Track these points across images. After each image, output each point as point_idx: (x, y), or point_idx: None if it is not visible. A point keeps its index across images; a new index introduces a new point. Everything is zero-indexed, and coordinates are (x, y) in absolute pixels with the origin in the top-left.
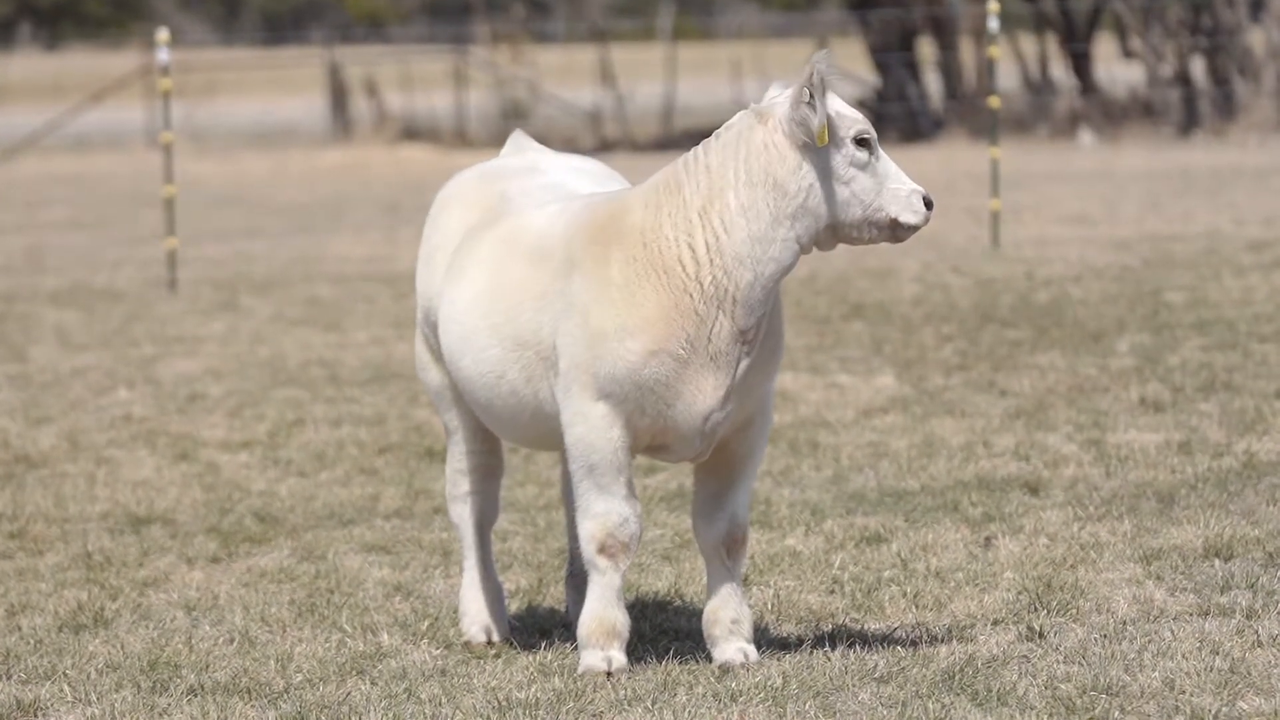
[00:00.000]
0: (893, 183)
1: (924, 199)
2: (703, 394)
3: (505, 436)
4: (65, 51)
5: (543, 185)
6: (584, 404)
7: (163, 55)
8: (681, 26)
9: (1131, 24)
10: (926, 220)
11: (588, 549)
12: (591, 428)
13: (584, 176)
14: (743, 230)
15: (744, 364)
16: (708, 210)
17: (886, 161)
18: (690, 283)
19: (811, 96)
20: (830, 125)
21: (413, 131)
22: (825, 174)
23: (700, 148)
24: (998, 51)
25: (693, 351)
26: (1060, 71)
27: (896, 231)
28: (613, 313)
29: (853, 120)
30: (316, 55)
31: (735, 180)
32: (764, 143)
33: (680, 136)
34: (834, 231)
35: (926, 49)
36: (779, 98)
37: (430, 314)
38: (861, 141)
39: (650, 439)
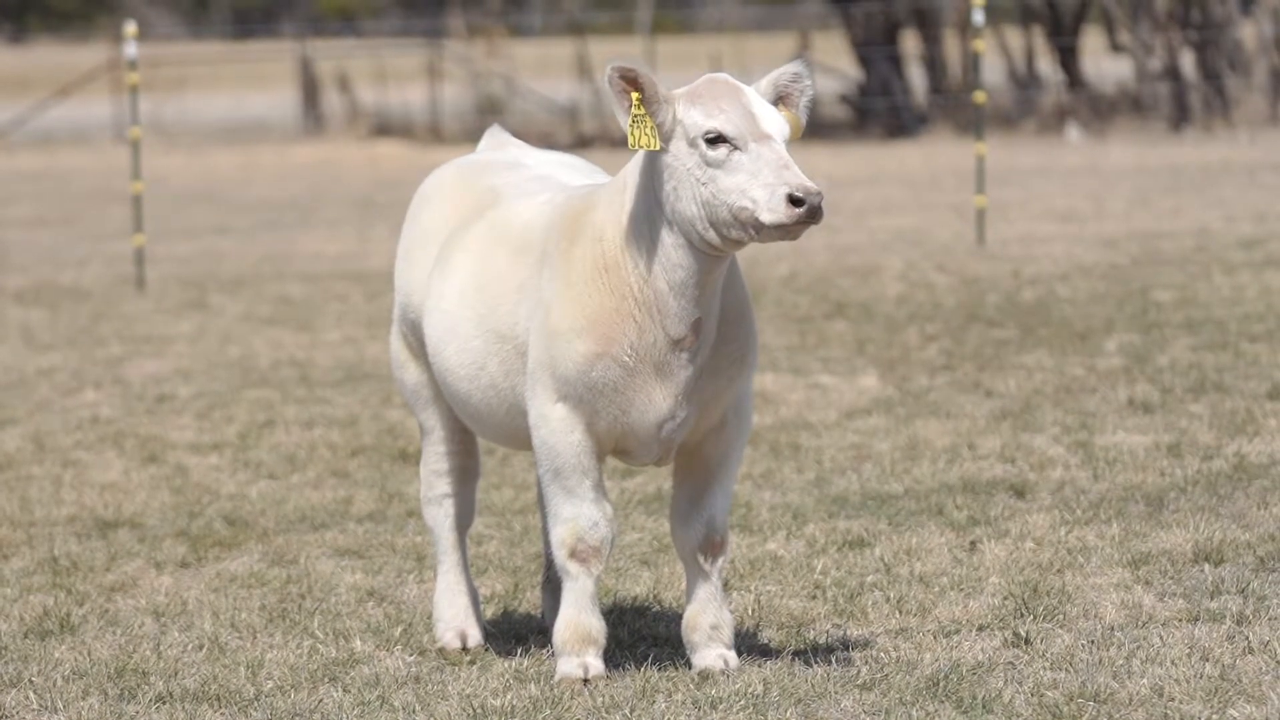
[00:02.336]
0: (765, 178)
1: (790, 196)
2: (653, 403)
3: (481, 433)
4: (31, 45)
5: (533, 178)
6: (545, 405)
7: (130, 49)
8: (660, 20)
9: (1119, 17)
10: (794, 219)
11: (559, 554)
12: (552, 431)
13: (572, 171)
14: (646, 237)
15: (688, 372)
16: (629, 215)
17: (762, 156)
18: (625, 286)
19: (635, 104)
20: (682, 127)
21: (386, 127)
22: (685, 176)
23: None
24: (983, 45)
25: (638, 359)
26: (1047, 66)
27: (767, 231)
28: (568, 310)
29: (704, 118)
30: (287, 49)
31: (636, 186)
32: (635, 149)
33: None
34: (717, 231)
35: (910, 43)
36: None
37: (410, 310)
38: (711, 140)
39: (613, 444)
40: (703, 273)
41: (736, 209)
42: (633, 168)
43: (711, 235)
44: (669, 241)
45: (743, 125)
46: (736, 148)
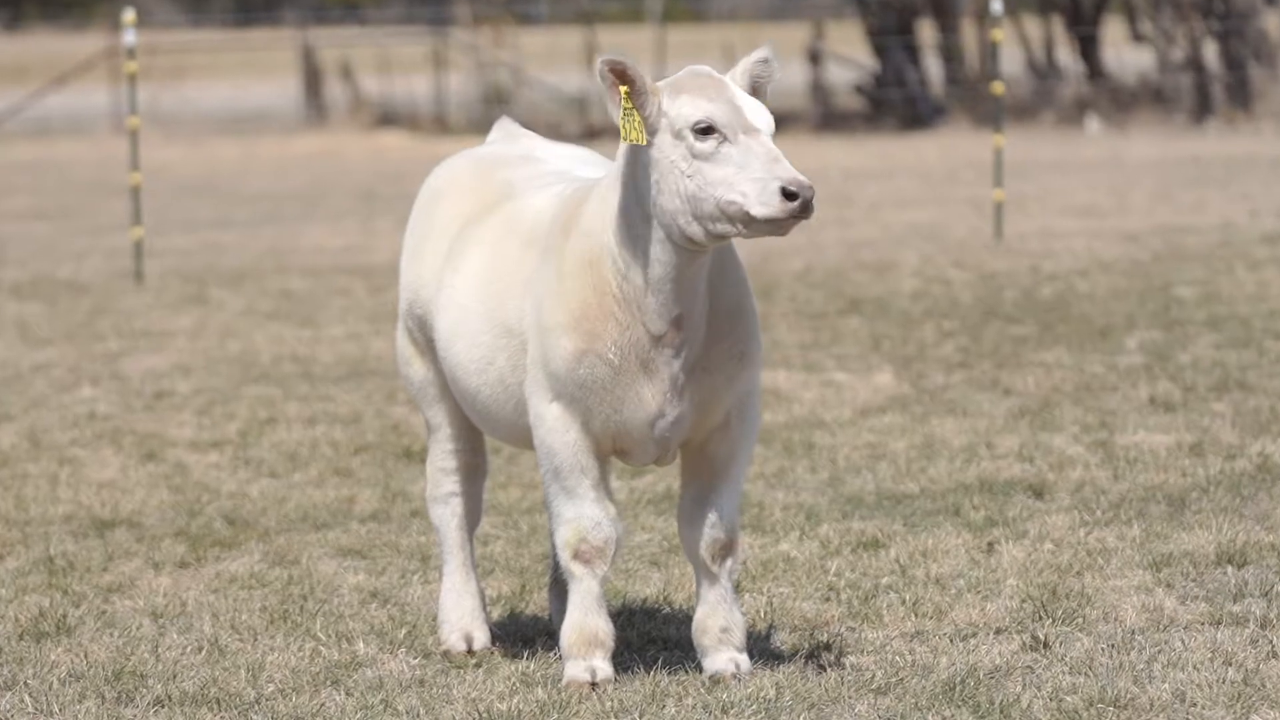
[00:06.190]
0: (754, 171)
1: (783, 190)
2: (643, 402)
3: (489, 431)
4: (27, 32)
5: (549, 173)
6: (541, 405)
7: (129, 37)
8: (671, 8)
9: (1141, 6)
10: (788, 213)
11: (563, 556)
12: (549, 430)
13: (585, 165)
14: (624, 231)
15: (674, 370)
16: (609, 209)
17: (751, 148)
18: (605, 282)
19: (624, 98)
20: (667, 119)
21: (390, 117)
22: (669, 169)
23: None
24: (1001, 34)
25: (622, 357)
26: (1066, 56)
27: (757, 225)
28: (556, 306)
29: (692, 109)
30: (289, 37)
31: (616, 180)
32: (625, 142)
33: None
34: (701, 225)
35: (927, 32)
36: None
37: (418, 305)
38: (702, 130)
39: (610, 444)
40: (680, 268)
41: (724, 202)
42: (618, 162)
43: (694, 229)
44: (649, 236)
45: (732, 117)
46: (726, 139)
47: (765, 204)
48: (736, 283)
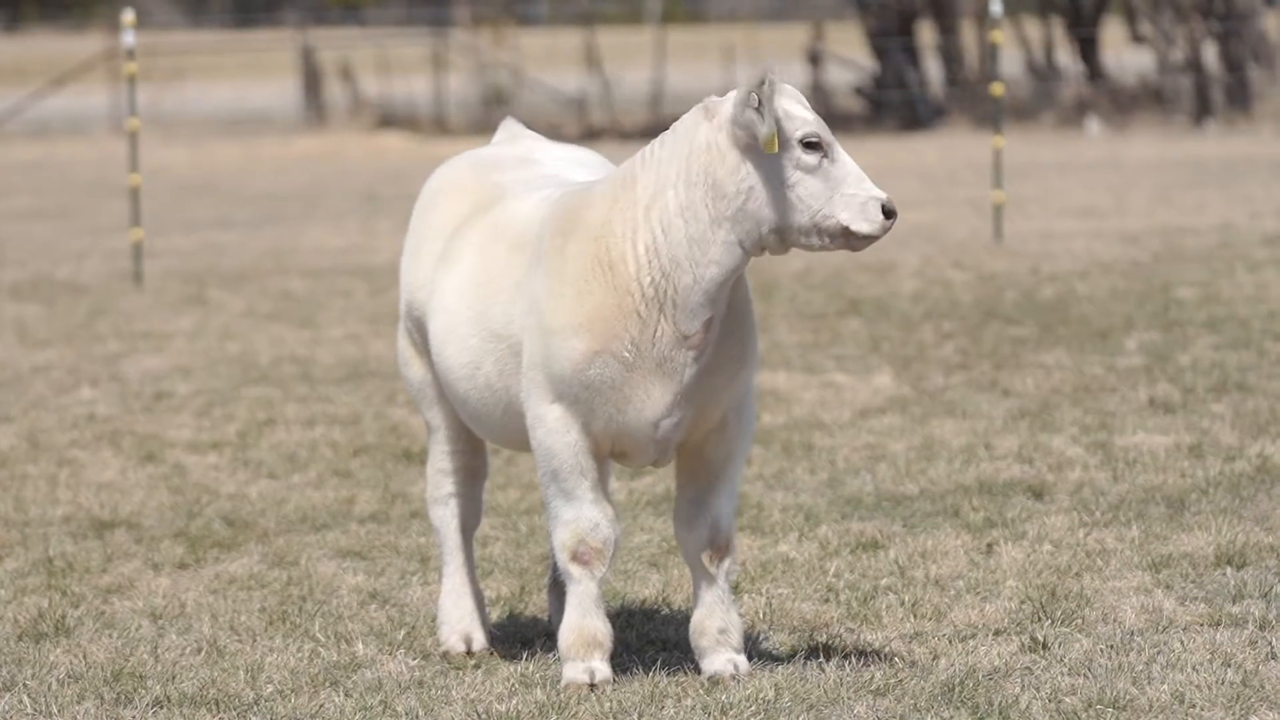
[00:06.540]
0: (848, 188)
1: (883, 207)
2: (651, 401)
3: (481, 433)
4: (27, 33)
5: (541, 176)
6: (541, 406)
7: (128, 38)
8: (671, 10)
9: (1141, 7)
10: (885, 230)
11: (561, 558)
12: (549, 431)
13: (581, 168)
14: (680, 231)
15: (691, 370)
16: (650, 208)
17: (844, 165)
18: (631, 282)
19: (760, 103)
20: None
21: (390, 118)
22: (768, 177)
23: (657, 141)
24: (1001, 36)
25: (638, 355)
26: (1066, 57)
27: (850, 240)
28: (562, 308)
29: (801, 121)
30: (289, 38)
31: (676, 179)
32: (706, 142)
33: (669, 125)
34: (781, 236)
35: (927, 33)
36: (728, 96)
37: (414, 307)
38: (810, 144)
39: (609, 445)
40: (735, 272)
41: (821, 216)
42: (653, 164)
43: (773, 239)
44: (714, 239)
45: (826, 132)
46: (826, 155)
47: (869, 221)
48: (741, 285)
